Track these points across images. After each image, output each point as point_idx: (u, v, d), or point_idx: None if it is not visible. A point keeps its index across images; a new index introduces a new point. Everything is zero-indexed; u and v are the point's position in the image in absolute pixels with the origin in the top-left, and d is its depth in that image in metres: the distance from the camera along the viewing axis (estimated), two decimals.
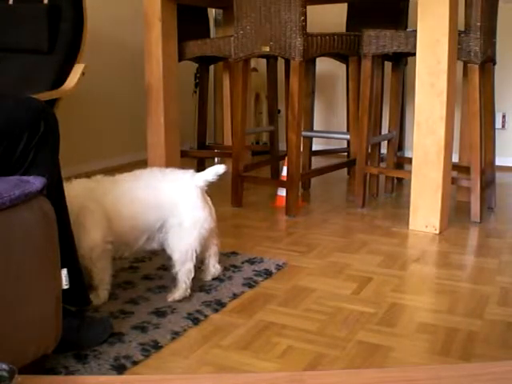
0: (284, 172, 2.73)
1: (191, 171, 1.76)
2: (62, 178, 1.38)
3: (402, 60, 2.93)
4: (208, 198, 1.75)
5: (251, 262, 1.98)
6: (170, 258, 1.68)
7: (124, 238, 1.67)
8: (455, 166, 2.64)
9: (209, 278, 1.81)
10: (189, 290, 1.67)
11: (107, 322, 1.45)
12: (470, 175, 2.45)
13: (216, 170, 1.73)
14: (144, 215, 1.67)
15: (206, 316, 1.57)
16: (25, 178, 1.18)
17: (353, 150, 2.96)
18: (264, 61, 3.57)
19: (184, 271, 1.66)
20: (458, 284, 1.81)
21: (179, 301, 1.64)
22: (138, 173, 1.75)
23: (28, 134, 1.26)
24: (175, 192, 1.69)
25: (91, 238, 1.58)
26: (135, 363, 1.32)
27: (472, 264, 2.02)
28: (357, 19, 3.37)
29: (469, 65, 2.38)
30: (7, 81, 2.47)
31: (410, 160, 2.47)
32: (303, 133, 2.84)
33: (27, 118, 1.27)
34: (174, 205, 1.67)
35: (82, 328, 1.38)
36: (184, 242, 1.65)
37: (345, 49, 2.65)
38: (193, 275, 1.68)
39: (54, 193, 1.31)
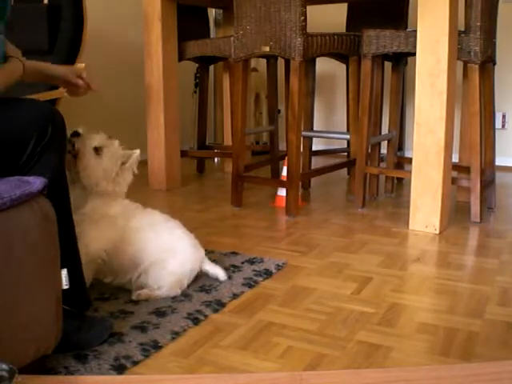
0: (284, 172, 2.73)
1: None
2: (67, 178, 1.38)
3: (402, 60, 2.94)
4: None
5: (251, 261, 1.98)
6: None
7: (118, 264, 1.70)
8: (455, 166, 2.64)
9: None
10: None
11: (107, 322, 1.45)
12: (470, 175, 2.45)
13: None
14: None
15: (205, 316, 1.57)
16: (25, 178, 1.18)
17: (353, 150, 2.96)
18: (264, 61, 3.57)
19: None
20: (458, 284, 1.81)
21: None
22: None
23: (36, 139, 1.27)
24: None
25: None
26: (135, 363, 1.32)
27: (472, 264, 2.02)
28: (357, 19, 3.37)
29: (469, 65, 2.38)
30: None
31: (410, 160, 2.47)
32: (303, 133, 2.84)
33: (37, 126, 1.28)
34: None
35: (82, 328, 1.38)
36: None
37: (345, 49, 2.65)
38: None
39: (58, 193, 1.32)
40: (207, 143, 3.74)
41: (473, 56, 2.35)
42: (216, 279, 1.81)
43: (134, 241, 1.69)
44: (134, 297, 1.65)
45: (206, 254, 2.05)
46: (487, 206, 2.68)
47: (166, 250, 1.72)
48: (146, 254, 1.69)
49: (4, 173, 1.23)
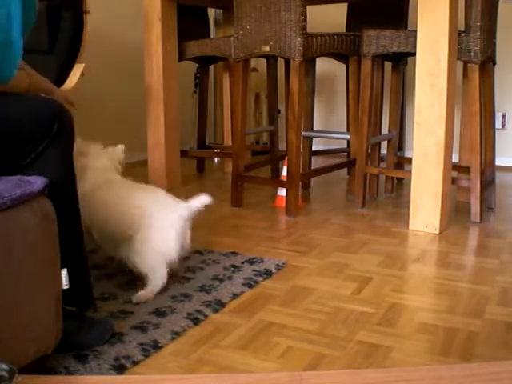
0: (284, 172, 2.73)
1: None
2: (74, 176, 1.37)
3: (402, 60, 2.93)
4: None
5: (251, 262, 1.98)
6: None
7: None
8: (455, 166, 2.64)
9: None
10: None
11: (107, 323, 1.44)
12: (470, 175, 2.45)
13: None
14: None
15: (205, 316, 1.57)
16: (26, 177, 1.18)
17: (353, 150, 2.96)
18: (264, 61, 3.57)
19: None
20: (458, 284, 1.81)
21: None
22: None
23: (41, 137, 1.27)
24: None
25: None
26: (135, 363, 1.32)
27: (472, 264, 2.02)
28: (357, 19, 3.37)
29: (469, 65, 2.38)
30: None
31: (410, 160, 2.47)
32: (303, 133, 2.84)
33: (43, 124, 1.28)
34: None
35: (82, 329, 1.37)
36: None
37: (345, 49, 2.65)
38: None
39: (65, 191, 1.31)
40: (207, 143, 3.73)
41: (473, 56, 2.35)
42: (216, 279, 1.81)
43: (110, 211, 1.77)
44: (134, 300, 1.64)
45: (205, 254, 2.05)
46: (487, 206, 2.68)
47: (145, 220, 1.72)
48: (124, 222, 1.73)
49: (7, 172, 1.23)
